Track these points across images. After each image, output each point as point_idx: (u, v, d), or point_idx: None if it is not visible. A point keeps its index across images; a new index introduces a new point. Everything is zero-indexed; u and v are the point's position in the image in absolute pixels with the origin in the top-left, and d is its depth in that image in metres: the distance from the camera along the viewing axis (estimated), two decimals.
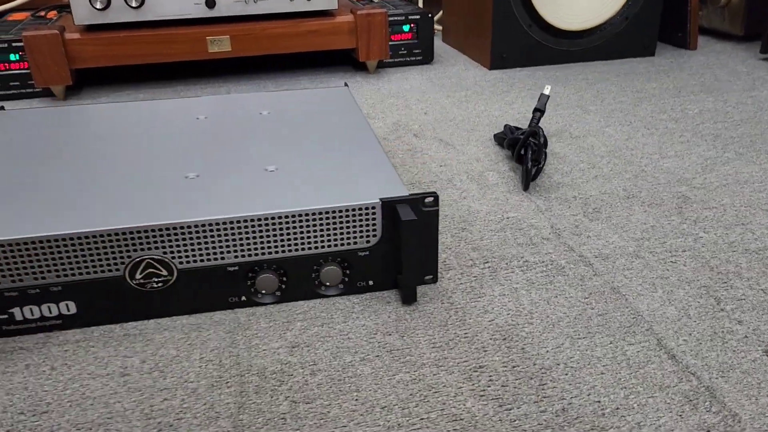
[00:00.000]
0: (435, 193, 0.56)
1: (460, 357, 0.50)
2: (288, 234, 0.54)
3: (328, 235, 0.55)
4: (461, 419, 0.44)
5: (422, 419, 0.44)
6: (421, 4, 1.71)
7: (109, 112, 0.79)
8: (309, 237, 0.55)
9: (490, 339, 0.52)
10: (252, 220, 0.53)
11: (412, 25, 1.32)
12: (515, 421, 0.44)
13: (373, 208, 0.55)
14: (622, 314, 0.54)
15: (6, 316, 0.53)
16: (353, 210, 0.55)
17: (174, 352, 0.51)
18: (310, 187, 0.58)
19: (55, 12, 1.37)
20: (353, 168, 0.62)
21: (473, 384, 0.47)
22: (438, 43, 1.56)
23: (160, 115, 0.78)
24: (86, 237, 0.51)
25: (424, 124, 1.01)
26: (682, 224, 0.69)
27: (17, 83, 1.17)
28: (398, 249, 0.56)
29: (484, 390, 0.47)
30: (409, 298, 0.57)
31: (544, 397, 0.46)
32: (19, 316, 0.53)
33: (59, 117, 0.78)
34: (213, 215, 0.53)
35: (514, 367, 0.49)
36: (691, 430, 0.43)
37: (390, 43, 1.31)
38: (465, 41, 1.42)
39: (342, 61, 1.40)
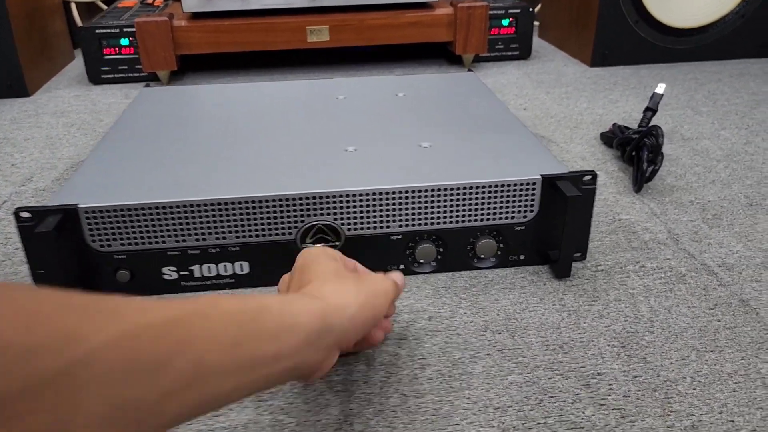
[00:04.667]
0: (593, 171, 0.56)
1: (576, 362, 0.48)
2: (449, 206, 0.56)
3: (488, 208, 0.56)
4: (581, 428, 0.42)
5: (539, 424, 0.42)
6: None
7: (247, 90, 0.82)
8: (469, 210, 0.56)
9: (608, 345, 0.49)
10: (416, 191, 0.55)
11: (511, 19, 1.29)
12: None
13: (534, 183, 0.56)
14: (753, 329, 0.51)
15: (186, 273, 0.56)
16: (514, 185, 0.56)
17: None
18: (468, 162, 0.59)
19: (161, 0, 1.41)
20: (505, 146, 0.62)
21: (592, 391, 0.45)
22: (534, 38, 1.52)
23: (301, 94, 0.80)
24: (266, 201, 0.54)
25: (523, 119, 0.98)
26: None
27: (125, 67, 1.22)
28: (553, 225, 0.57)
29: (604, 399, 0.44)
30: (563, 272, 0.57)
31: (671, 412, 0.43)
32: (197, 274, 0.56)
33: (204, 95, 0.81)
34: (381, 185, 0.55)
35: (635, 376, 0.46)
36: None
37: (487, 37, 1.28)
38: (564, 37, 1.38)
39: (433, 54, 1.38)
